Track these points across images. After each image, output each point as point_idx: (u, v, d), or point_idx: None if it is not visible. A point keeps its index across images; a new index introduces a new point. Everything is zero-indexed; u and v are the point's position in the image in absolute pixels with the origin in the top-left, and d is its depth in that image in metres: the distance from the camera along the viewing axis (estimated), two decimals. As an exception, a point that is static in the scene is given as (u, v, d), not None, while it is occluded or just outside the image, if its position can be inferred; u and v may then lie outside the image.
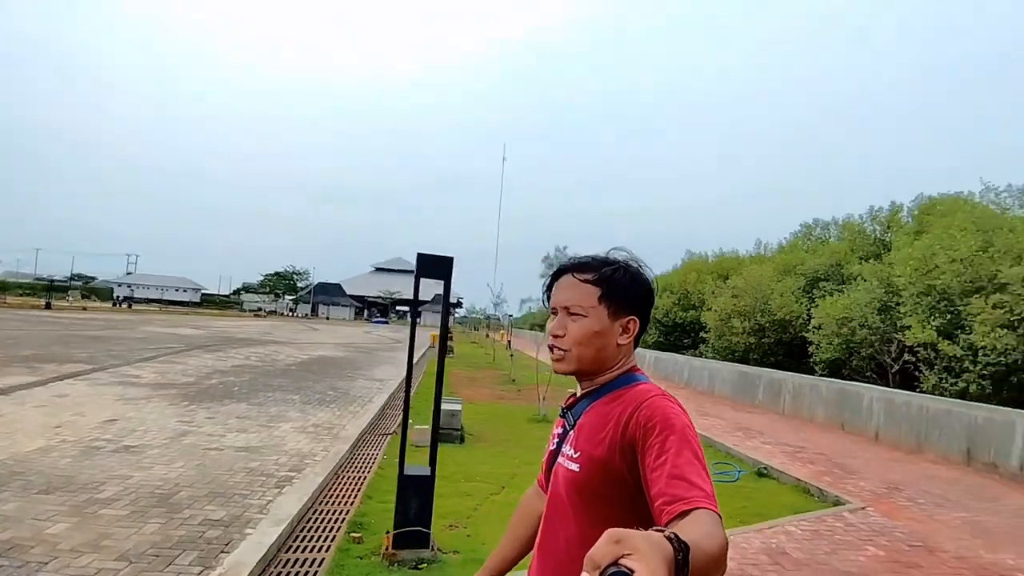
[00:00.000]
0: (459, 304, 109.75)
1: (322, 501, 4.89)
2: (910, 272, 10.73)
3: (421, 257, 4.17)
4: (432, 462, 4.15)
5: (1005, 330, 8.66)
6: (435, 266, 4.22)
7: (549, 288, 1.23)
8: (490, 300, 59.17)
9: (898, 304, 11.08)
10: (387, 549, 3.94)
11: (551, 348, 1.18)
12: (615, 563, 0.59)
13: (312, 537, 4.14)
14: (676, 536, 0.66)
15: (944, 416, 8.33)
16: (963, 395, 9.07)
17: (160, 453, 5.72)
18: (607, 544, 0.61)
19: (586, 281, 1.15)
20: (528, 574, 1.22)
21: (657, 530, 0.67)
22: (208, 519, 4.12)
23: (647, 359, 21.52)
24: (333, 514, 4.62)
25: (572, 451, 1.14)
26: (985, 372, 8.95)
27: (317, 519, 4.48)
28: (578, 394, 1.23)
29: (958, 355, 9.35)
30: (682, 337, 22.35)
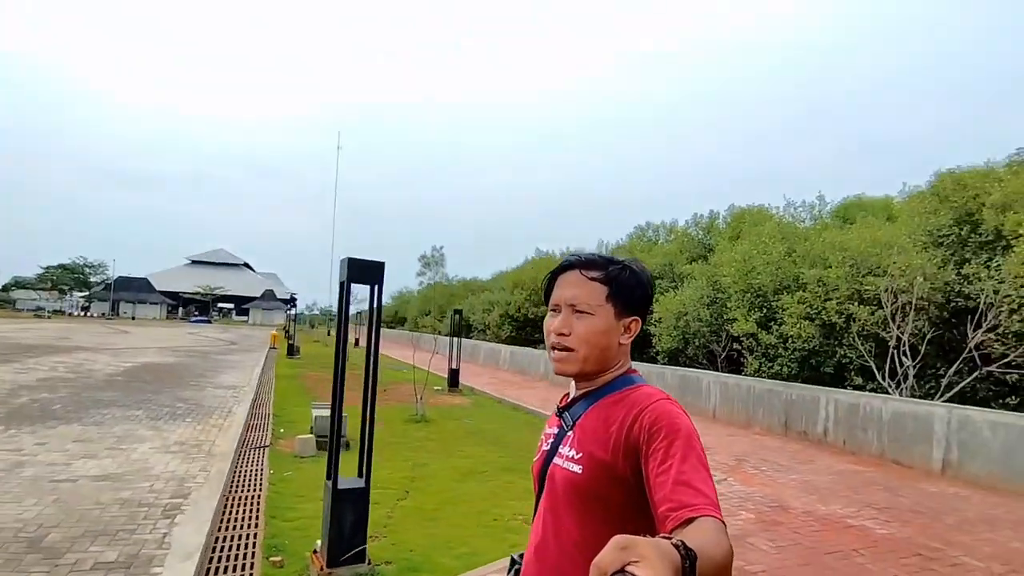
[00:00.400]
0: (293, 301, 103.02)
1: (224, 527, 4.46)
2: (734, 272, 12.55)
3: (351, 261, 4.02)
4: (367, 473, 4.03)
5: (807, 321, 10.56)
6: (366, 271, 4.09)
7: (550, 284, 1.20)
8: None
9: (725, 300, 12.89)
10: (321, 569, 3.76)
11: (554, 347, 1.16)
12: (622, 570, 0.59)
13: (229, 568, 3.79)
14: (683, 543, 0.67)
15: (767, 395, 9.94)
16: (777, 376, 10.88)
17: (-3, 491, 4.73)
18: (614, 551, 0.61)
19: (594, 279, 1.13)
20: (523, 574, 1.20)
21: (664, 537, 0.68)
22: (100, 562, 3.55)
23: (502, 355, 22.30)
24: (242, 539, 4.26)
25: (573, 452, 1.12)
26: (793, 356, 10.84)
27: (227, 547, 4.09)
28: (572, 394, 1.22)
29: (773, 343, 11.18)
30: (533, 332, 23.51)
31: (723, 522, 0.86)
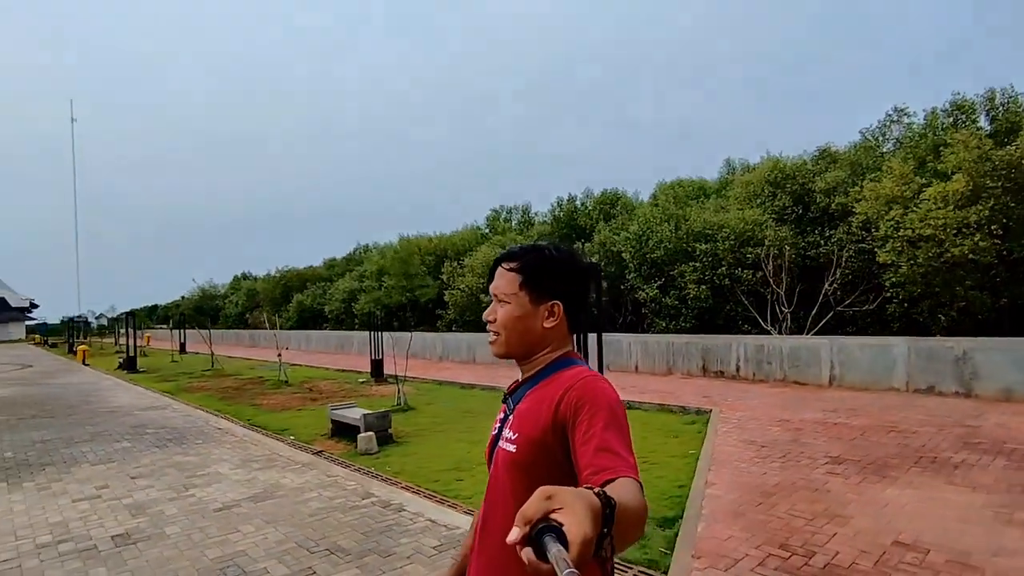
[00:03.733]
0: (32, 306, 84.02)
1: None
2: (631, 249, 14.89)
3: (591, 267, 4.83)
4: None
5: (702, 286, 13.26)
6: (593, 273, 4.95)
7: (489, 278, 1.29)
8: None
9: (621, 272, 15.20)
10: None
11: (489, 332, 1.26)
12: (545, 517, 0.63)
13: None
14: (604, 492, 0.72)
15: (684, 346, 12.40)
16: (681, 331, 13.48)
17: (189, 530, 4.47)
18: (538, 500, 0.65)
19: (511, 269, 1.22)
20: (472, 555, 1.27)
21: (587, 488, 0.73)
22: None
23: (385, 341, 22.24)
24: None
25: (511, 434, 1.18)
26: (692, 314, 13.52)
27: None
28: (520, 380, 1.28)
29: (674, 304, 13.75)
30: (405, 316, 23.83)
31: (640, 483, 0.91)
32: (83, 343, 28.22)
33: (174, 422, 9.35)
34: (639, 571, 3.65)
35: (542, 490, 0.65)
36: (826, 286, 11.77)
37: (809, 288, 12.51)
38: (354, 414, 8.01)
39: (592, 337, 5.76)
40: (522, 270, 1.21)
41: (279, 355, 15.68)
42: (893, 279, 10.25)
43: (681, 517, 4.46)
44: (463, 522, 4.51)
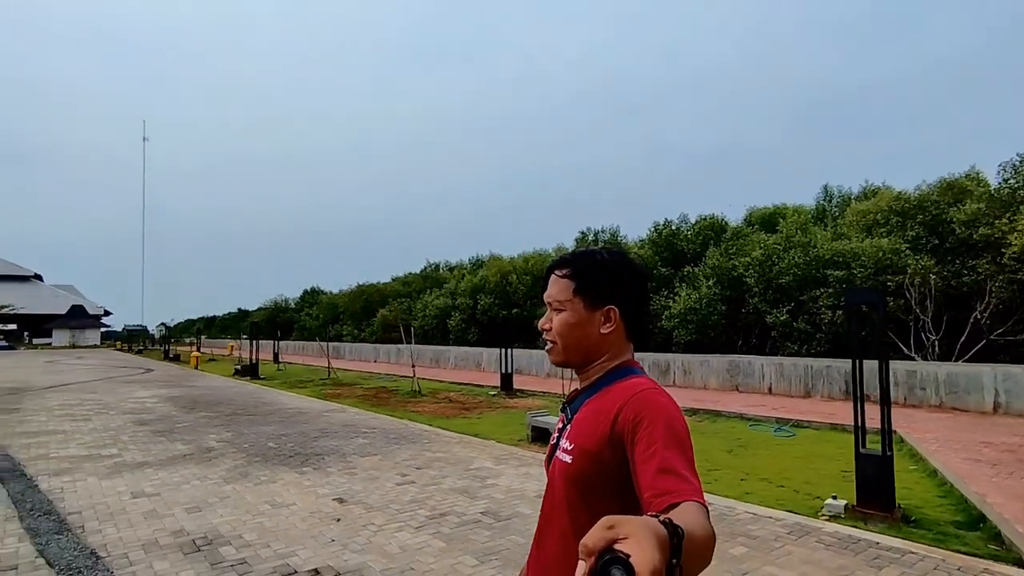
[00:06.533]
0: (105, 314, 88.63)
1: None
2: (755, 274, 15.30)
3: (870, 289, 5.39)
4: (890, 446, 5.45)
5: (838, 311, 13.57)
6: (872, 293, 5.51)
7: (543, 287, 1.28)
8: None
9: (742, 296, 15.60)
10: (890, 513, 5.13)
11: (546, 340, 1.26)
12: (610, 548, 0.60)
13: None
14: (671, 521, 0.68)
15: (825, 370, 12.70)
16: (813, 355, 13.77)
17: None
18: (601, 530, 0.62)
19: (564, 276, 1.22)
20: (527, 563, 1.26)
21: (652, 515, 0.69)
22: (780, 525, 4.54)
23: (484, 357, 23.01)
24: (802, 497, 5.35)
25: (568, 444, 1.16)
26: (827, 338, 13.82)
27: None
28: (579, 388, 1.27)
29: (806, 329, 14.08)
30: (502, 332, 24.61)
31: (706, 506, 0.88)
32: (195, 350, 29.86)
33: (372, 423, 10.17)
34: (988, 566, 4.13)
35: (605, 519, 0.63)
36: (976, 314, 11.97)
37: (953, 316, 12.69)
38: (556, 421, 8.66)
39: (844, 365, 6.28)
40: (575, 276, 1.20)
41: (413, 367, 16.54)
42: (1059, 310, 10.44)
43: (982, 522, 4.92)
44: (764, 512, 5.06)
